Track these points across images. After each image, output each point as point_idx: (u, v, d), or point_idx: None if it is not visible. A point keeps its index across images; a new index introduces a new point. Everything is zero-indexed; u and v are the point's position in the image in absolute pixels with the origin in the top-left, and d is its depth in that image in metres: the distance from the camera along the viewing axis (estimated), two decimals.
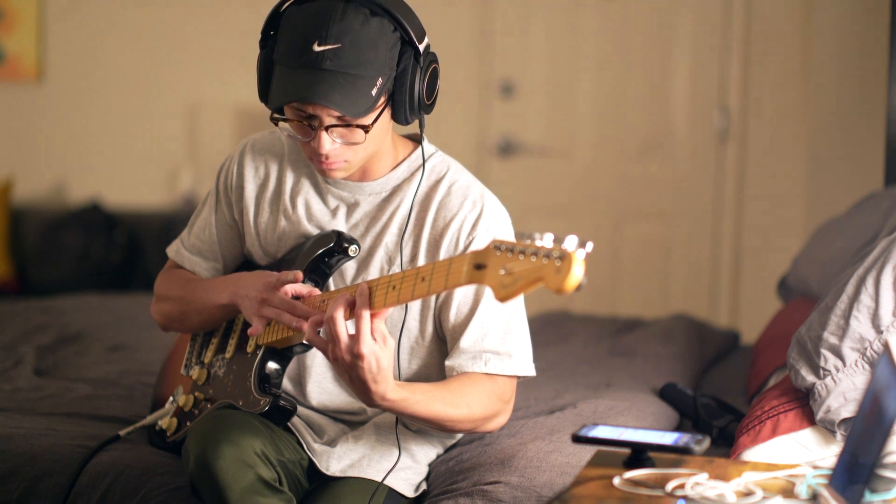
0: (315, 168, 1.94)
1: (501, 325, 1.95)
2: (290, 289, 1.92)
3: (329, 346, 1.77)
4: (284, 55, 1.86)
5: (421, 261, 1.97)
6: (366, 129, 1.86)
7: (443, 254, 1.96)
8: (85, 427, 2.28)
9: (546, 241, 1.56)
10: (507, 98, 4.63)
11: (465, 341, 1.93)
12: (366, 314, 1.74)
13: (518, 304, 1.97)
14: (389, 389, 1.78)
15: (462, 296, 1.95)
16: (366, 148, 1.90)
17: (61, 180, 5.14)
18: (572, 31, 4.56)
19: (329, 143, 1.86)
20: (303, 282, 1.96)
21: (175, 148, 5.05)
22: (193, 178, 4.92)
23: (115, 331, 3.19)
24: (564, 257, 1.52)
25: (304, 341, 1.93)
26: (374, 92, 1.84)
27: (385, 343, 1.76)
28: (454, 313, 1.95)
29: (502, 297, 1.58)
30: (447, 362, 1.95)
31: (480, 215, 1.97)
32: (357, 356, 1.74)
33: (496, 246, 1.60)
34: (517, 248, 1.57)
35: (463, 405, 1.89)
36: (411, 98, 1.89)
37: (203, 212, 2.15)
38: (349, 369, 1.76)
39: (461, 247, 1.96)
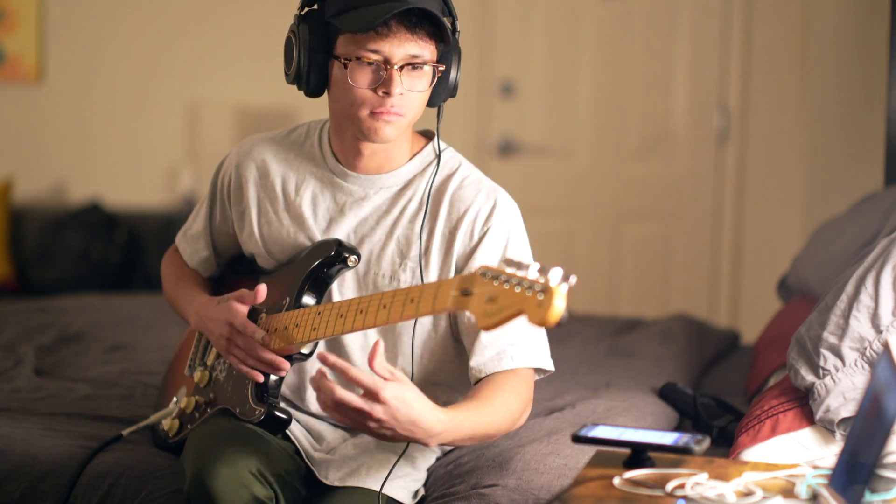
0: (364, 128, 1.90)
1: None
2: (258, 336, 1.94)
3: (364, 423, 1.72)
4: (352, 0, 1.86)
5: (434, 253, 1.96)
6: (436, 67, 1.89)
7: (458, 245, 1.95)
8: (85, 427, 2.28)
9: (531, 271, 1.55)
10: (507, 98, 4.63)
11: (487, 335, 1.91)
12: (353, 370, 1.72)
13: None
14: (433, 421, 1.74)
15: None
16: (419, 105, 1.92)
17: (61, 180, 5.14)
18: (572, 31, 4.56)
19: (399, 84, 1.86)
20: (302, 291, 1.95)
21: (175, 148, 5.05)
22: (193, 178, 4.92)
23: (115, 331, 3.18)
24: (547, 291, 1.52)
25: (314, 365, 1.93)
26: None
27: (395, 377, 1.73)
28: None
29: (486, 327, 1.58)
30: (472, 363, 1.93)
31: (495, 206, 1.97)
32: (381, 403, 1.70)
33: (483, 272, 1.60)
34: (503, 277, 1.57)
35: (502, 408, 1.87)
36: (447, 81, 1.94)
37: (197, 222, 2.16)
38: (386, 428, 1.72)
39: (475, 238, 1.95)
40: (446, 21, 1.90)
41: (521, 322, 1.91)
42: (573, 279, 1.54)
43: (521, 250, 1.98)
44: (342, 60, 1.88)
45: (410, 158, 2.01)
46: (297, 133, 2.08)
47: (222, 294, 2.16)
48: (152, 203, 5.00)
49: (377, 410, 1.70)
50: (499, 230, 1.96)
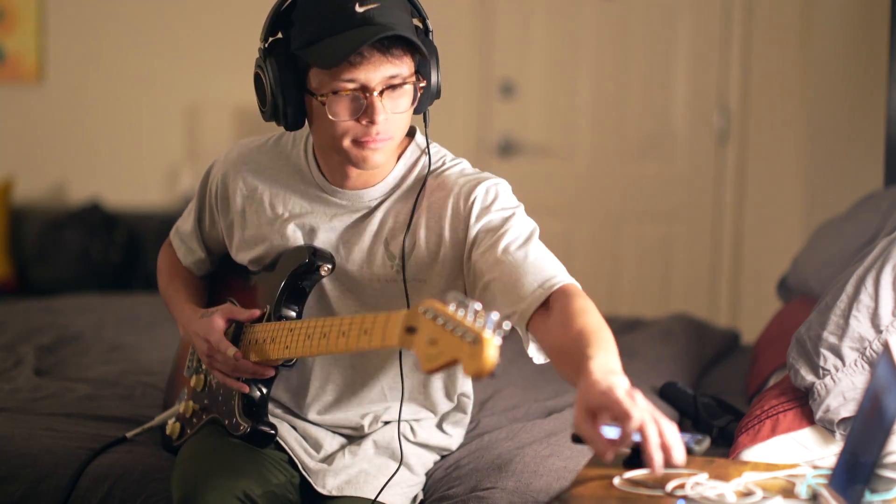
0: (352, 157, 1.85)
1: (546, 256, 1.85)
2: (232, 352, 1.91)
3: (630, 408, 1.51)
4: (318, 30, 1.79)
5: (423, 248, 1.91)
6: (416, 83, 1.82)
7: (447, 230, 1.89)
8: (85, 427, 2.28)
9: (470, 312, 1.48)
10: (507, 98, 4.63)
11: (523, 283, 1.79)
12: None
13: (539, 242, 1.87)
14: (619, 376, 1.56)
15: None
16: (404, 125, 1.86)
17: (61, 180, 5.14)
18: (572, 31, 4.56)
19: (382, 109, 1.79)
20: (280, 303, 1.92)
21: (175, 148, 5.05)
22: (193, 178, 4.91)
23: (115, 331, 3.19)
24: (478, 341, 1.44)
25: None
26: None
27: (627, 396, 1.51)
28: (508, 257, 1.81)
29: (427, 370, 1.52)
30: (514, 308, 1.77)
31: (479, 180, 1.91)
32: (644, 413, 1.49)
33: (425, 310, 1.53)
34: (442, 318, 1.50)
35: (595, 317, 1.69)
36: (429, 86, 1.87)
37: (187, 223, 2.14)
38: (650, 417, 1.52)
39: (463, 212, 1.88)
40: (416, 23, 1.85)
41: (540, 255, 1.81)
42: (507, 326, 1.47)
43: (509, 206, 1.89)
44: (318, 98, 1.81)
45: (396, 161, 1.95)
46: (284, 141, 2.03)
47: (214, 291, 2.15)
48: (152, 203, 5.00)
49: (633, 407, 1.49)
50: (483, 198, 1.88)
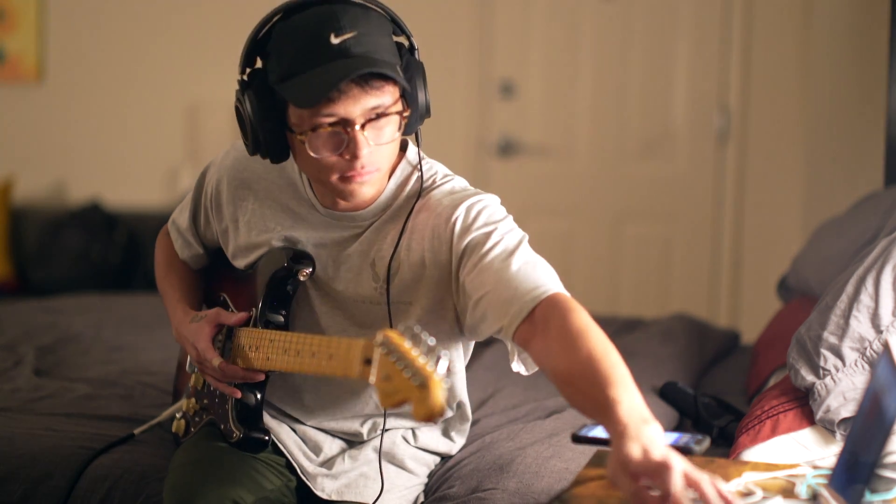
0: (338, 191, 1.81)
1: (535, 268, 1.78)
2: (218, 362, 1.89)
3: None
4: (294, 64, 1.73)
5: (407, 271, 1.86)
6: (401, 111, 1.76)
7: (429, 252, 1.84)
8: (85, 427, 2.28)
9: (423, 350, 1.45)
10: (507, 98, 4.63)
11: (499, 304, 1.75)
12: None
13: (528, 251, 1.81)
14: (652, 425, 1.53)
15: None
16: (391, 154, 1.81)
17: (61, 180, 5.14)
18: (572, 31, 4.57)
19: (365, 143, 1.73)
20: (265, 308, 1.90)
21: (175, 148, 5.05)
22: (193, 178, 4.91)
23: (115, 331, 3.18)
24: (425, 386, 1.42)
25: None
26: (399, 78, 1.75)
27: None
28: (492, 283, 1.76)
29: (386, 406, 1.49)
30: (503, 323, 1.73)
31: (462, 199, 1.83)
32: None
33: (381, 342, 1.49)
34: (395, 354, 1.46)
35: (601, 341, 1.62)
36: (416, 108, 1.81)
37: (183, 217, 2.11)
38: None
39: (444, 235, 1.83)
40: (401, 40, 1.80)
41: (531, 266, 1.74)
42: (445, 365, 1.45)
43: (493, 220, 1.82)
44: (298, 136, 1.75)
45: (388, 180, 1.89)
46: None
47: (210, 283, 2.14)
48: (152, 203, 5.00)
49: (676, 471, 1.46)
50: (464, 218, 1.82)
